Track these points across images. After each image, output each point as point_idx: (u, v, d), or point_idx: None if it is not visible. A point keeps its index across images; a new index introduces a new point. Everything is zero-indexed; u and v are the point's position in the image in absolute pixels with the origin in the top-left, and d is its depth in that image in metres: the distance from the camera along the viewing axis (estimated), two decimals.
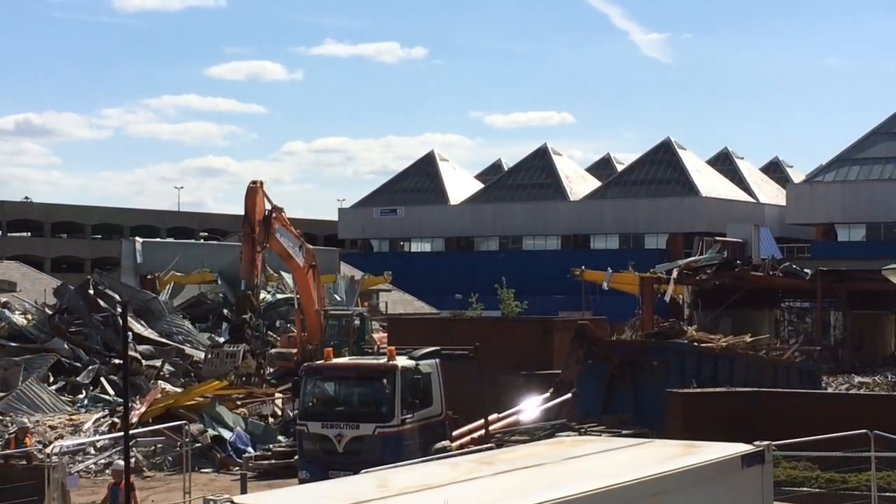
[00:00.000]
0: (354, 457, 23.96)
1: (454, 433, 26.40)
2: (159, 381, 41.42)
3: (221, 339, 48.82)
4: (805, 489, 22.15)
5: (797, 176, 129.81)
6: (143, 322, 52.23)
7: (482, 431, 26.23)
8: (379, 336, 52.07)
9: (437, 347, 27.91)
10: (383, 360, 26.24)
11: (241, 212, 42.44)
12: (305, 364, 29.68)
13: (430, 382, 26.16)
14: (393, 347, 27.18)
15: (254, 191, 41.36)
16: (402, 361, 25.76)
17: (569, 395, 28.81)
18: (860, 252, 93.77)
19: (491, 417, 27.06)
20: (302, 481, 23.74)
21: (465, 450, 22.86)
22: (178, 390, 40.72)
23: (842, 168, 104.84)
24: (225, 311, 59.80)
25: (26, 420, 34.42)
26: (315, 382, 26.21)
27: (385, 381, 25.28)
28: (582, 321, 32.49)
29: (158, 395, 36.60)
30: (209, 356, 42.34)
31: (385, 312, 77.79)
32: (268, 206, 42.12)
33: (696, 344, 33.67)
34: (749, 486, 13.70)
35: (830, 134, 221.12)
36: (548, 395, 29.05)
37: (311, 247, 45.55)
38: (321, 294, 47.82)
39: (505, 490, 11.37)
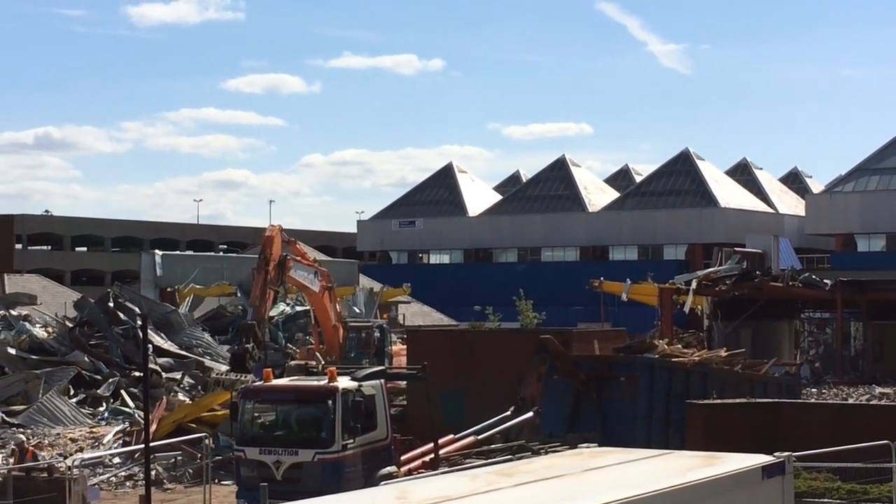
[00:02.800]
0: (294, 485, 22.54)
1: (403, 457, 24.86)
2: (163, 397, 40.77)
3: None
4: (826, 500, 22.08)
5: (816, 186, 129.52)
6: (162, 335, 52.41)
7: (433, 455, 24.56)
8: (397, 348, 52.08)
9: (382, 367, 26.70)
10: (324, 381, 24.54)
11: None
12: (243, 386, 28.81)
13: (374, 405, 24.51)
14: (333, 368, 25.66)
15: (274, 235, 41.39)
16: (343, 383, 24.16)
17: (530, 413, 27.26)
18: (880, 262, 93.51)
19: (446, 439, 25.57)
20: None
21: (415, 475, 21.87)
22: (187, 400, 40.62)
23: (861, 178, 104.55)
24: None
25: (22, 436, 34.31)
26: (252, 405, 24.56)
27: (324, 404, 23.75)
28: (545, 336, 30.41)
29: (163, 412, 36.12)
30: (211, 384, 42.45)
31: (404, 324, 77.84)
32: (283, 240, 42.14)
33: (666, 359, 31.80)
34: (770, 497, 13.67)
35: (850, 144, 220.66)
36: (508, 413, 27.42)
37: (325, 269, 45.58)
38: (338, 309, 47.86)
39: (525, 502, 11.38)
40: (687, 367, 31.28)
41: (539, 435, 26.55)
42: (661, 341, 35.18)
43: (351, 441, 23.61)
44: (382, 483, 13.76)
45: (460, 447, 25.64)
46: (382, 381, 25.30)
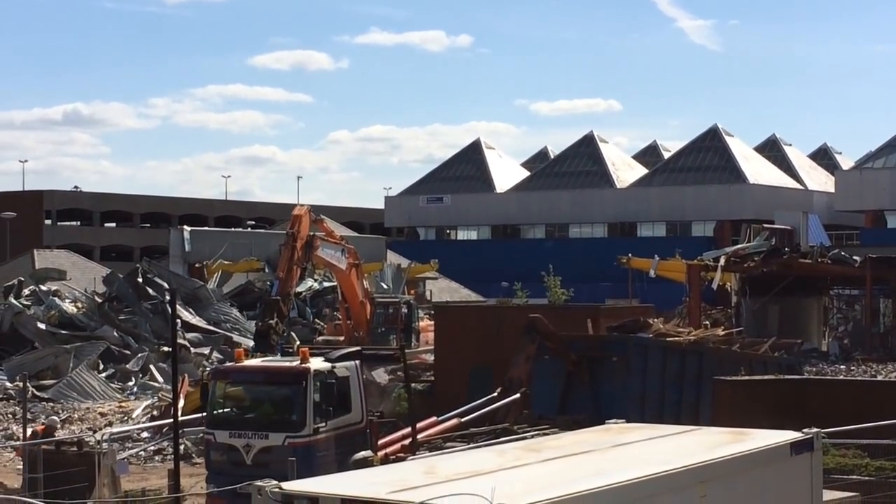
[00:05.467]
0: (264, 469, 20.55)
1: (381, 441, 23.94)
2: (185, 374, 40.55)
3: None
4: (854, 477, 21.98)
5: (846, 162, 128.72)
6: (191, 310, 52.63)
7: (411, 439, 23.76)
8: (424, 324, 52.18)
9: (358, 348, 25.91)
10: (295, 362, 23.45)
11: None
12: (213, 367, 28.08)
13: (349, 387, 23.37)
14: (306, 348, 24.37)
15: (302, 214, 41.38)
16: (315, 364, 23.08)
17: (517, 395, 26.57)
18: None
19: (428, 422, 24.97)
20: (210, 496, 22.21)
21: (396, 457, 21.38)
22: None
23: (891, 154, 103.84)
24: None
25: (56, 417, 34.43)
26: (223, 387, 23.54)
27: (295, 385, 22.70)
28: (534, 314, 29.60)
29: (188, 388, 35.99)
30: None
31: (431, 300, 77.88)
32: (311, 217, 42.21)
33: (661, 338, 30.95)
34: (798, 473, 13.61)
35: (879, 120, 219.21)
36: (495, 394, 26.73)
37: (352, 246, 45.57)
38: (366, 285, 47.91)
39: (553, 477, 11.36)
40: (682, 347, 30.62)
41: (528, 417, 25.95)
42: (656, 320, 34.19)
43: (323, 424, 22.66)
44: (409, 458, 13.73)
45: (442, 430, 25.03)
46: (357, 362, 24.20)
